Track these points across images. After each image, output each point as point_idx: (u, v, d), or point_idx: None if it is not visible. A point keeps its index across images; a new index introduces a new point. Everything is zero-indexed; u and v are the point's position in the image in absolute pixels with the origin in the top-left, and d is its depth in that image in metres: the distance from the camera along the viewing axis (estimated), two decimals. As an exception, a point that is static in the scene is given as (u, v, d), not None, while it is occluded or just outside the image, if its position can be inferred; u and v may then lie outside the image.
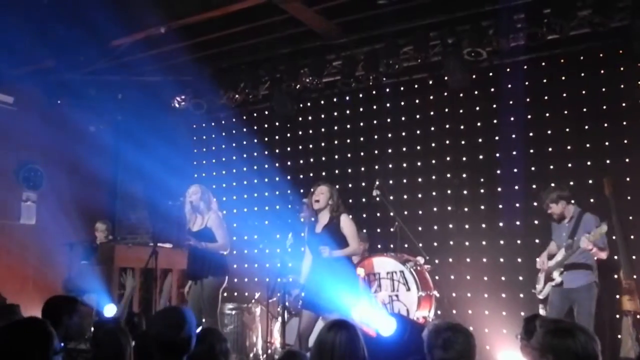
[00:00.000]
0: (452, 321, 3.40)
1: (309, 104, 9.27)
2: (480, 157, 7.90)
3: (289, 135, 9.44)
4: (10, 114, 8.86)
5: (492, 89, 7.87)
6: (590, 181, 7.01)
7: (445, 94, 8.10)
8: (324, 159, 9.04)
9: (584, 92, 7.31)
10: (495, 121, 7.81)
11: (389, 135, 8.56)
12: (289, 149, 9.40)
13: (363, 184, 8.47)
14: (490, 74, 7.84)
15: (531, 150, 7.54)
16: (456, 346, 2.99)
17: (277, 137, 9.55)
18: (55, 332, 3.42)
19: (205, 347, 3.26)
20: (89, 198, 10.03)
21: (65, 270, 7.94)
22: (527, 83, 7.63)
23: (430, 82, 8.27)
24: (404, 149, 8.41)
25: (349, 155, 8.85)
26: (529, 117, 7.60)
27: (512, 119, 7.65)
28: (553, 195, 6.00)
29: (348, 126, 8.93)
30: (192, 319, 3.38)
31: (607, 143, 7.09)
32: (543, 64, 7.60)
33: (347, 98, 8.94)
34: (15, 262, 9.01)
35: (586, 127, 7.26)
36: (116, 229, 10.00)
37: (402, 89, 8.50)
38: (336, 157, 8.94)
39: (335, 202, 5.60)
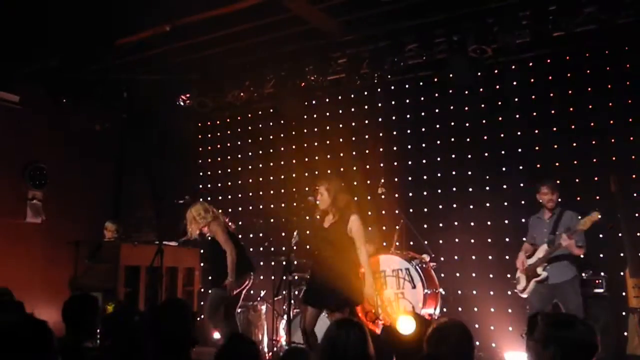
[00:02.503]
0: (455, 319, 3.43)
1: (314, 102, 9.27)
2: (486, 154, 7.88)
3: (293, 133, 9.44)
4: (15, 113, 8.87)
5: (497, 87, 7.87)
6: (596, 178, 6.99)
7: (451, 91, 8.08)
8: (329, 156, 9.03)
9: (589, 89, 7.29)
10: (500, 119, 7.80)
11: (394, 133, 8.55)
12: (294, 146, 9.40)
13: (368, 181, 8.45)
14: (496, 71, 7.84)
15: (537, 148, 7.53)
16: (447, 342, 3.03)
17: (282, 135, 9.55)
18: (75, 331, 3.45)
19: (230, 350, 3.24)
20: (94, 196, 10.07)
21: (71, 269, 7.97)
22: (532, 80, 7.62)
23: (435, 80, 8.26)
24: (409, 147, 8.40)
25: (354, 153, 8.83)
26: (535, 114, 7.58)
27: (517, 116, 7.64)
28: (553, 183, 6.23)
29: (353, 124, 8.92)
30: (192, 314, 3.40)
31: (613, 140, 7.07)
32: (548, 61, 7.59)
33: (352, 96, 8.92)
34: (21, 260, 9.03)
35: (592, 124, 7.24)
36: (121, 228, 10.04)
37: (407, 86, 8.50)
38: (341, 155, 8.92)
39: (338, 201, 5.59)
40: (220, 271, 6.52)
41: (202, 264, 8.55)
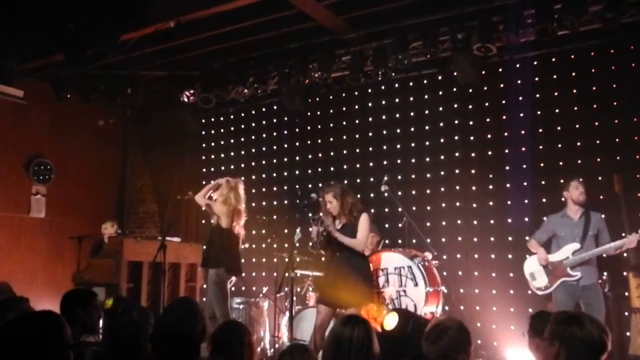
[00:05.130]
0: (454, 317, 3.43)
1: (317, 99, 9.27)
2: (489, 153, 7.87)
3: (297, 130, 9.44)
4: (20, 108, 8.90)
5: (502, 85, 7.85)
6: (600, 178, 6.97)
7: (454, 89, 8.06)
8: (332, 154, 9.04)
9: (594, 88, 7.27)
10: (504, 117, 7.79)
11: (398, 130, 8.55)
12: (297, 144, 9.40)
13: (371, 179, 8.45)
14: (500, 69, 7.82)
15: (540, 147, 7.51)
16: (445, 338, 3.03)
17: (285, 132, 9.55)
18: (71, 326, 3.42)
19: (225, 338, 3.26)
20: (97, 192, 10.10)
21: (75, 264, 7.99)
22: (536, 79, 7.61)
23: (439, 78, 8.26)
24: (413, 145, 8.39)
25: (357, 150, 8.84)
26: (539, 113, 7.56)
27: (521, 115, 7.62)
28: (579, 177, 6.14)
29: (357, 121, 8.92)
30: (202, 311, 3.40)
31: (617, 140, 7.04)
32: (553, 59, 7.58)
33: (356, 93, 8.92)
34: (24, 255, 9.07)
35: (596, 123, 7.22)
36: (124, 223, 10.06)
37: (411, 84, 8.49)
38: (344, 152, 8.93)
39: (348, 205, 5.67)
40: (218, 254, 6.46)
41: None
